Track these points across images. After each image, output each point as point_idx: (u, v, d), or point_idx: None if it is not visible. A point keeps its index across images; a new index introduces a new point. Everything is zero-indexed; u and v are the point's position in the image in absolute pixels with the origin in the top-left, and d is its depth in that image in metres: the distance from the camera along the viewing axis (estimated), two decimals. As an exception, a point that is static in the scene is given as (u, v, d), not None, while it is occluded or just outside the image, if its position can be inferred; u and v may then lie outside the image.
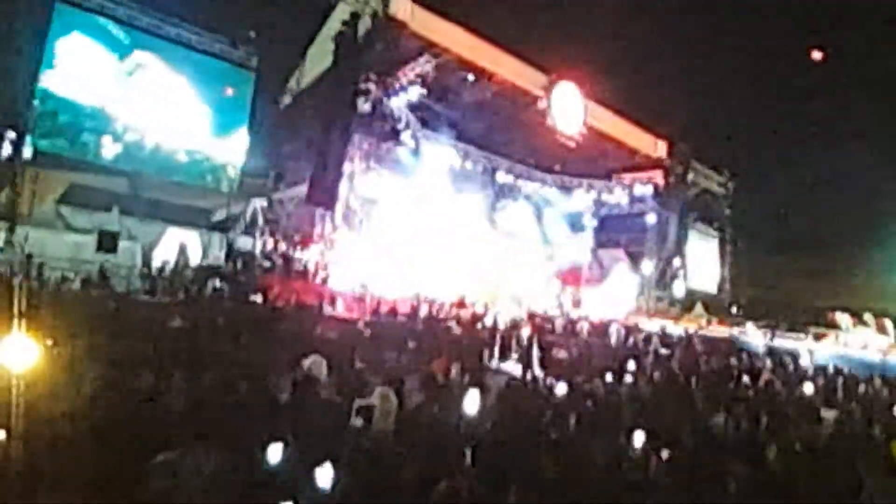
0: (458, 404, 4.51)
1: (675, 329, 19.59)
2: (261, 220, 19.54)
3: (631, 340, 16.56)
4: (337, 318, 14.53)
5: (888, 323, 23.05)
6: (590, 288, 26.25)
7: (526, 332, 17.74)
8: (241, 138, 19.37)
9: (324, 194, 19.07)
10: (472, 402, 4.43)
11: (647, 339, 16.00)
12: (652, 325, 20.12)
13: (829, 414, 6.29)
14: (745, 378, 9.17)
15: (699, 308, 27.93)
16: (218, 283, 15.76)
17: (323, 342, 13.17)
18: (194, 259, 18.14)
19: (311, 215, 20.72)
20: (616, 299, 25.43)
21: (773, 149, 27.81)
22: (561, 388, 5.06)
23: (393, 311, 16.89)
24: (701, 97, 26.17)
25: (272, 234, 19.28)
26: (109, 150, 18.66)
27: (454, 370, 5.64)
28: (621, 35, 24.94)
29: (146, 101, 19.44)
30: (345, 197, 20.14)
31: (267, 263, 19.22)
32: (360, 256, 19.91)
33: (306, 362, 4.92)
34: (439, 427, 4.34)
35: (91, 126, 18.45)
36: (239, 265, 18.11)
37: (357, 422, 4.06)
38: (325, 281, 18.91)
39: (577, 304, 24.75)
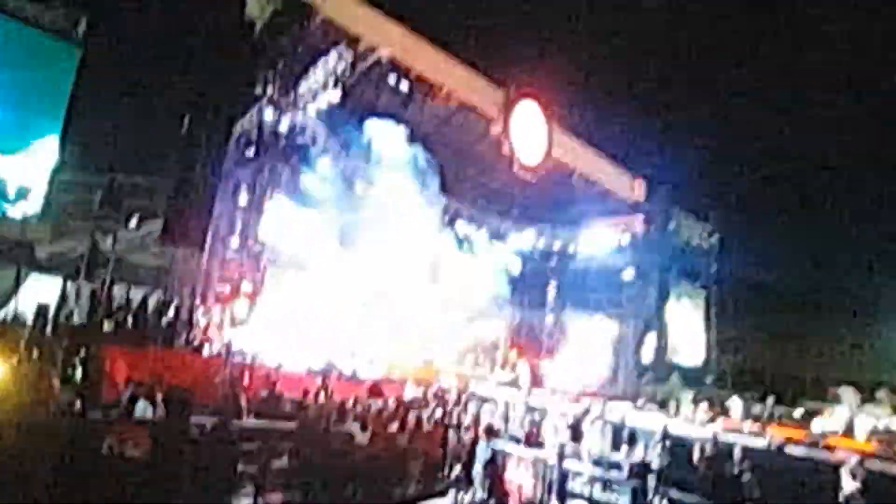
0: None
1: (676, 427, 14.30)
2: (105, 263, 13.76)
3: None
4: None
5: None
6: (553, 358, 21.18)
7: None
8: (47, 148, 13.18)
9: (187, 229, 13.60)
10: None
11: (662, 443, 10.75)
12: (640, 418, 15.00)
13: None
14: None
15: (675, 378, 23.68)
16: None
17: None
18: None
19: (185, 260, 15.14)
20: (585, 372, 20.91)
21: (764, 197, 23.88)
22: None
23: (272, 400, 11.95)
24: (682, 135, 22.10)
25: (105, 281, 13.46)
26: None
27: None
28: (594, 57, 20.78)
29: None
30: (228, 235, 14.75)
31: (107, 325, 13.38)
32: (250, 315, 14.98)
33: None
34: None
35: None
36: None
37: None
38: (198, 350, 13.47)
39: (537, 380, 19.63)
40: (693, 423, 15.60)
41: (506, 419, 14.28)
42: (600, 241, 22.14)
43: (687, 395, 21.09)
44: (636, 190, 21.26)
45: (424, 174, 17.80)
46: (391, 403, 12.70)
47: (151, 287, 14.62)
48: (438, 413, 12.93)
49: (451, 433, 12.39)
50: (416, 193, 17.65)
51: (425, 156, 17.91)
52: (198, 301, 15.32)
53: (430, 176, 17.99)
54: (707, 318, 25.06)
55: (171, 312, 14.20)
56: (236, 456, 9.60)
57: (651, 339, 22.32)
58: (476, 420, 13.56)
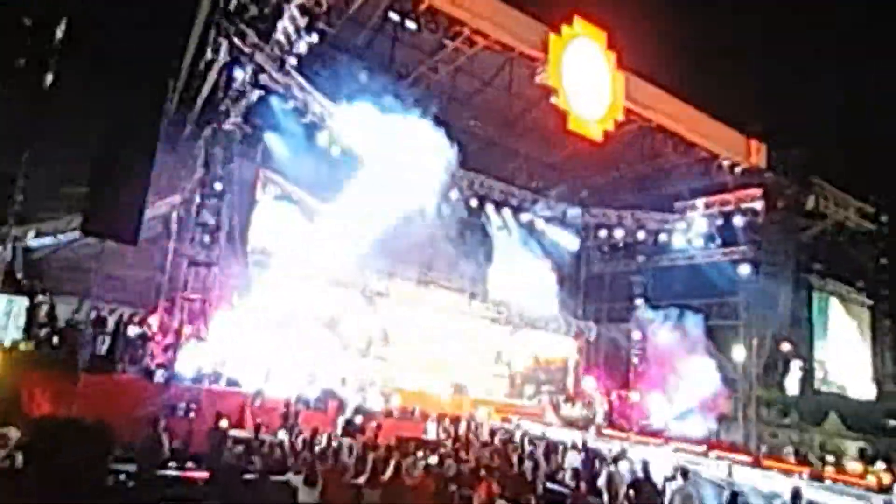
0: None
1: (823, 494, 9.06)
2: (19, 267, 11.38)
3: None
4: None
5: None
6: (644, 389, 17.00)
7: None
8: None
9: (113, 216, 10.34)
10: None
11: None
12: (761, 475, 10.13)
13: None
14: None
15: (833, 419, 19.23)
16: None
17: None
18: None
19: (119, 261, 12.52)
20: (688, 410, 16.39)
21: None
22: None
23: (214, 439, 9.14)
24: (823, 78, 16.43)
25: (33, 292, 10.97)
26: None
27: None
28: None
29: None
30: (174, 223, 12.57)
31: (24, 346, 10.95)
32: (224, 325, 12.83)
33: None
34: None
35: None
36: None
37: None
38: (149, 374, 11.08)
39: (623, 420, 14.91)
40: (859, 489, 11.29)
41: (551, 473, 9.86)
42: (702, 227, 17.32)
43: (850, 446, 17.42)
44: (754, 154, 16.18)
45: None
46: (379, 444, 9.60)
47: (83, 298, 11.94)
48: (438, 459, 9.23)
49: (453, 488, 8.42)
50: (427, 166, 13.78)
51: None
52: (155, 315, 12.68)
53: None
54: (874, 335, 19.65)
55: (109, 328, 11.53)
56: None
57: (795, 364, 17.79)
58: (497, 471, 9.37)
